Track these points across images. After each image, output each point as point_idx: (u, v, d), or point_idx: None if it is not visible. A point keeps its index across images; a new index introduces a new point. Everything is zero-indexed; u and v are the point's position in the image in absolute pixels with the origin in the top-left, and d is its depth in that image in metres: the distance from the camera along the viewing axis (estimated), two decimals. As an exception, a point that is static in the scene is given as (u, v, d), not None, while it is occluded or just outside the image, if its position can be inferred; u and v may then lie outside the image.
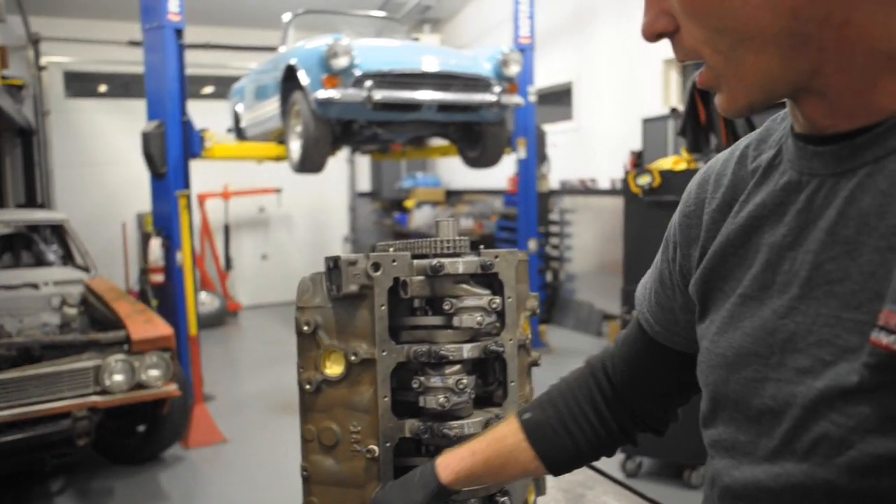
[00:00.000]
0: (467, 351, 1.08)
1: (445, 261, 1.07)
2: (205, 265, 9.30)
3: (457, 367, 1.09)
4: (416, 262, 1.09)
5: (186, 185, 5.07)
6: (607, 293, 7.29)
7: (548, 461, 1.01)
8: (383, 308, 1.08)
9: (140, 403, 4.00)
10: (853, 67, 0.62)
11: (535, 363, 1.27)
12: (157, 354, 3.94)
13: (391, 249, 1.13)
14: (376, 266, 1.07)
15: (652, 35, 0.70)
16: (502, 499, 1.11)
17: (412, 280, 1.08)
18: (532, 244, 6.79)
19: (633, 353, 1.02)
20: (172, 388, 3.99)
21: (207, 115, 6.58)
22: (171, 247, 5.00)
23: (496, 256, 1.12)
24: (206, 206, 9.47)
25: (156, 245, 5.02)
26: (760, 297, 0.72)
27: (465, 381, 1.08)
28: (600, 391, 1.03)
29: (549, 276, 8.02)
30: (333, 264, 1.09)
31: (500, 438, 1.01)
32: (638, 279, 1.05)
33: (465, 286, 1.10)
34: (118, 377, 3.83)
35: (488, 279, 1.14)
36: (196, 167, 5.28)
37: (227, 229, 9.79)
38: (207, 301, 8.76)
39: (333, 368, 1.11)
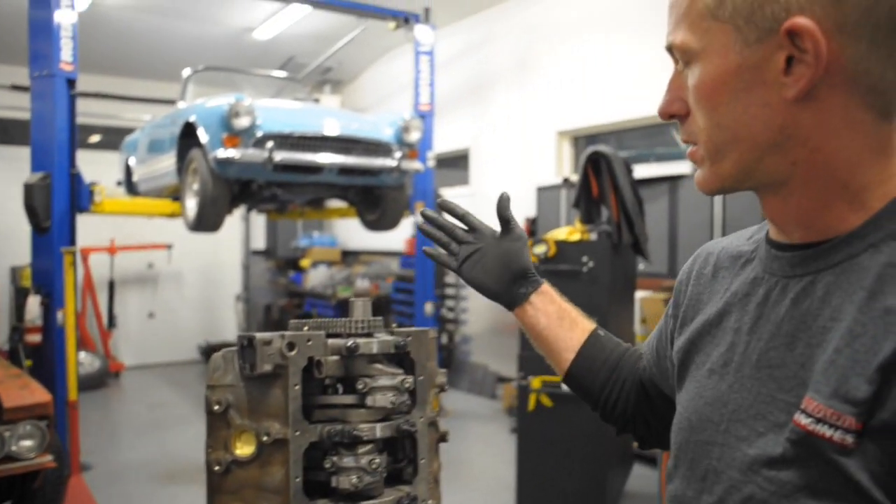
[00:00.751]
0: (380, 430, 1.10)
1: (360, 341, 1.09)
2: (86, 323, 8.80)
3: (369, 446, 1.10)
4: (330, 341, 1.11)
5: (72, 241, 4.85)
6: (502, 356, 7.40)
7: (577, 362, 1.18)
8: (297, 388, 1.08)
9: (8, 477, 3.70)
10: (815, 186, 0.75)
11: (443, 439, 1.29)
12: (31, 423, 3.66)
13: (305, 328, 1.14)
14: (291, 346, 1.08)
15: (666, 115, 0.83)
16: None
17: (327, 360, 1.09)
18: (429, 307, 6.84)
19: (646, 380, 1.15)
20: (47, 459, 3.71)
21: (93, 166, 6.31)
22: (51, 305, 4.73)
23: (409, 336, 1.15)
24: (90, 261, 9.01)
25: (34, 303, 4.74)
26: (721, 373, 0.84)
27: (377, 460, 1.09)
28: (638, 378, 1.16)
29: (444, 339, 8.07)
30: (248, 342, 1.08)
31: (579, 316, 1.21)
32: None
33: (378, 366, 1.12)
34: (-16, 448, 3.54)
35: (400, 357, 1.16)
36: (80, 219, 5.06)
37: (111, 285, 9.32)
38: (87, 361, 8.25)
39: (244, 449, 1.09)
